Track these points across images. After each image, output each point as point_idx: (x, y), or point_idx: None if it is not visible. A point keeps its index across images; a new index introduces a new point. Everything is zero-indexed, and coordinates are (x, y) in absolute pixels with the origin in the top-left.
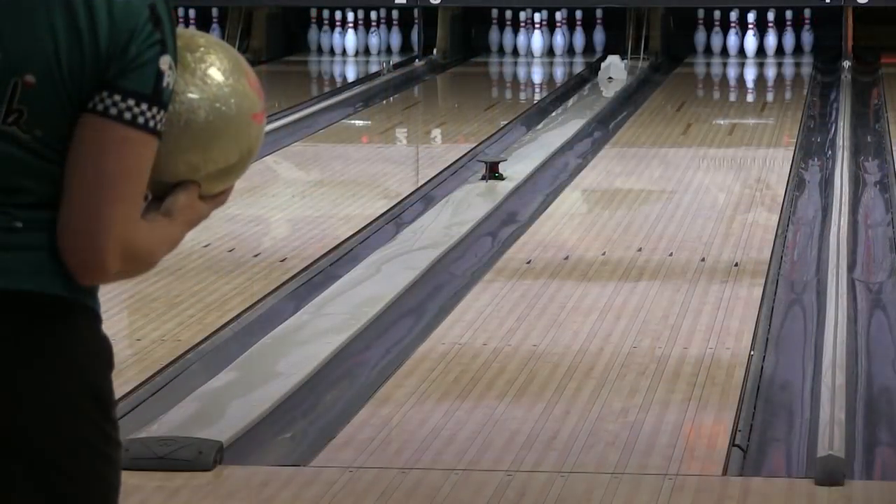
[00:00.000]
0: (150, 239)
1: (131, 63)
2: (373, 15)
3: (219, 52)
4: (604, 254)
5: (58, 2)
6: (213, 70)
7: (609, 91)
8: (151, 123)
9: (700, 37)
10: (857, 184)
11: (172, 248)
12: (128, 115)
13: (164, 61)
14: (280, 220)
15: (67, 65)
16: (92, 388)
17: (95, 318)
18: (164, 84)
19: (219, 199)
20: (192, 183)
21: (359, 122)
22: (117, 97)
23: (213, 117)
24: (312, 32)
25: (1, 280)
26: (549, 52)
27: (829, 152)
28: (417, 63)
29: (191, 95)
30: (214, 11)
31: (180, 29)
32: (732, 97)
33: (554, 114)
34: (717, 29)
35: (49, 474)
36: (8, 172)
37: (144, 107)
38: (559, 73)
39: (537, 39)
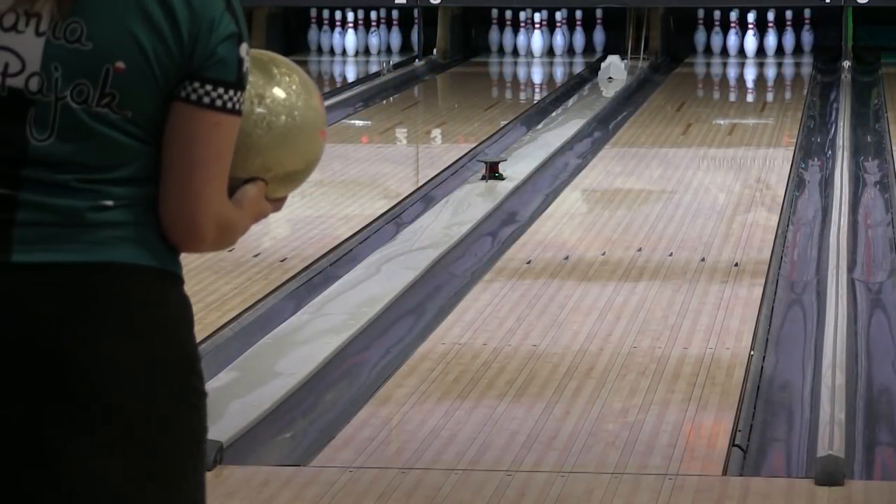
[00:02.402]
0: (234, 215)
1: (214, 54)
2: (373, 15)
3: (298, 71)
4: (604, 254)
5: None
6: (294, 83)
7: (609, 91)
8: (237, 106)
9: (700, 37)
10: (857, 184)
11: (242, 234)
12: (218, 102)
13: (243, 49)
14: (280, 220)
15: (153, 52)
16: (181, 346)
17: (180, 283)
18: (244, 69)
19: (277, 203)
20: (261, 180)
21: (359, 122)
22: (208, 86)
23: (290, 124)
24: (312, 32)
25: (94, 254)
26: (549, 52)
27: (829, 152)
28: (417, 63)
29: (274, 102)
30: None
31: (266, 51)
32: (732, 97)
33: (554, 114)
34: (717, 29)
35: (147, 427)
36: (100, 151)
37: (231, 92)
38: (559, 73)
39: (537, 39)
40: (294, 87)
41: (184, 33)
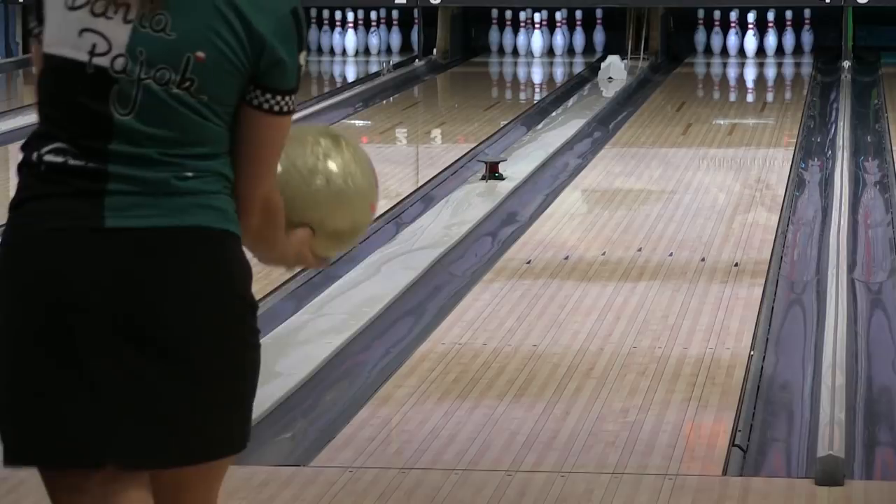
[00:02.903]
0: (279, 205)
1: (279, 63)
2: (373, 15)
3: (362, 151)
4: (604, 254)
5: None
6: (357, 157)
7: (609, 91)
8: (292, 108)
9: (700, 37)
10: (857, 184)
11: (274, 260)
12: (276, 108)
13: (303, 57)
14: None
15: (227, 47)
16: (241, 294)
17: (240, 243)
18: (302, 74)
19: (320, 260)
20: (310, 229)
21: (359, 122)
22: (268, 95)
23: (346, 187)
24: (312, 32)
25: (175, 219)
26: (549, 52)
27: (829, 152)
28: (417, 63)
29: (337, 166)
30: None
31: (339, 131)
32: (732, 97)
33: (554, 114)
34: (717, 29)
35: (215, 359)
36: (179, 129)
37: (289, 98)
38: (559, 73)
39: (537, 39)
40: (356, 160)
41: (254, 36)
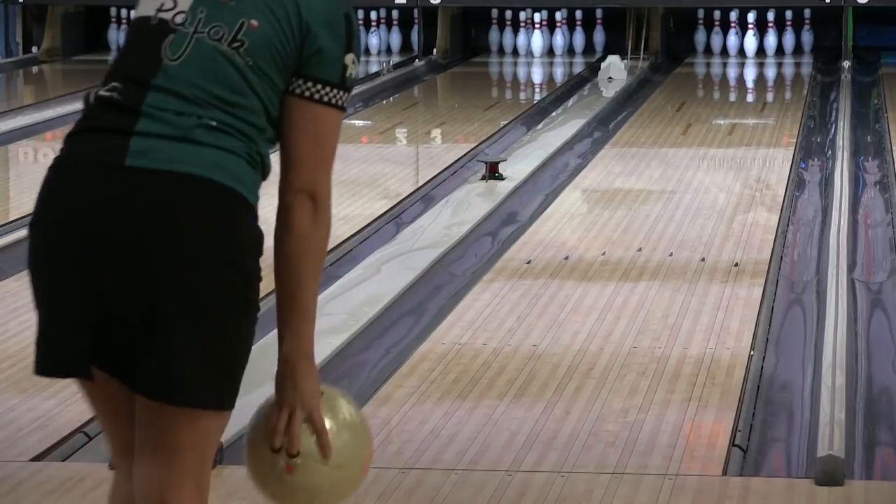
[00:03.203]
0: (329, 198)
1: (320, 51)
2: (373, 15)
3: (362, 416)
4: (604, 254)
5: None
6: (357, 419)
7: (609, 91)
8: (339, 102)
9: (700, 37)
10: (857, 184)
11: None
12: (317, 96)
13: (349, 58)
14: None
15: (278, 23)
16: (235, 263)
17: (252, 211)
18: (348, 74)
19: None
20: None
21: (359, 122)
22: (310, 83)
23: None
24: None
25: (193, 167)
26: (549, 52)
27: (829, 152)
28: (417, 63)
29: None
30: None
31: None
32: (732, 97)
33: (554, 114)
34: (717, 29)
35: (200, 314)
36: (220, 82)
37: (332, 91)
38: (559, 73)
39: (537, 39)
40: (358, 421)
41: (301, 23)
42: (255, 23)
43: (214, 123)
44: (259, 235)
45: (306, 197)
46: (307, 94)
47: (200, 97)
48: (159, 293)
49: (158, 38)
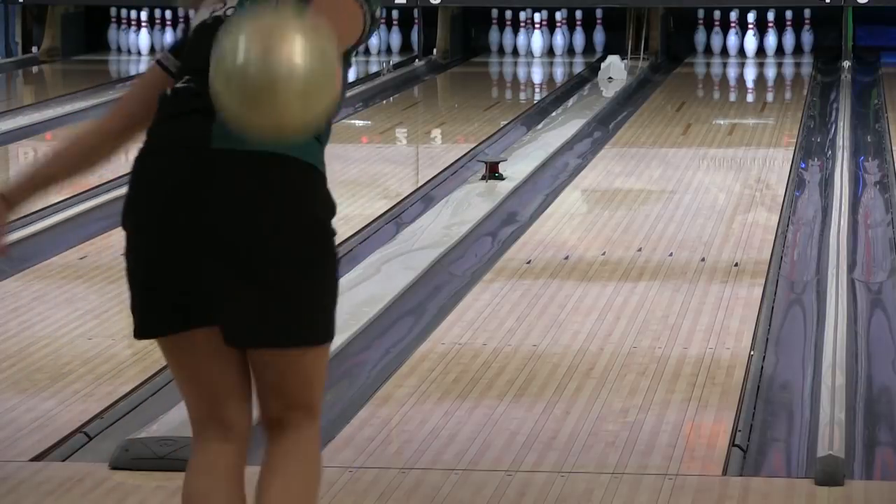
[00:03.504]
0: None
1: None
2: None
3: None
4: (604, 254)
5: None
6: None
7: (609, 91)
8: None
9: (700, 37)
10: (857, 184)
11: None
12: None
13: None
14: None
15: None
16: (320, 217)
17: (324, 180)
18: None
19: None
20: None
21: (359, 122)
22: None
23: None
24: None
25: (269, 147)
26: (549, 52)
27: (829, 152)
28: (417, 63)
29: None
30: None
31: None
32: (732, 97)
33: (554, 114)
34: (717, 29)
35: (290, 265)
36: None
37: None
38: (559, 73)
39: (537, 39)
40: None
41: None
42: None
43: None
44: (332, 199)
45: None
46: None
47: None
48: (260, 255)
49: (214, 32)
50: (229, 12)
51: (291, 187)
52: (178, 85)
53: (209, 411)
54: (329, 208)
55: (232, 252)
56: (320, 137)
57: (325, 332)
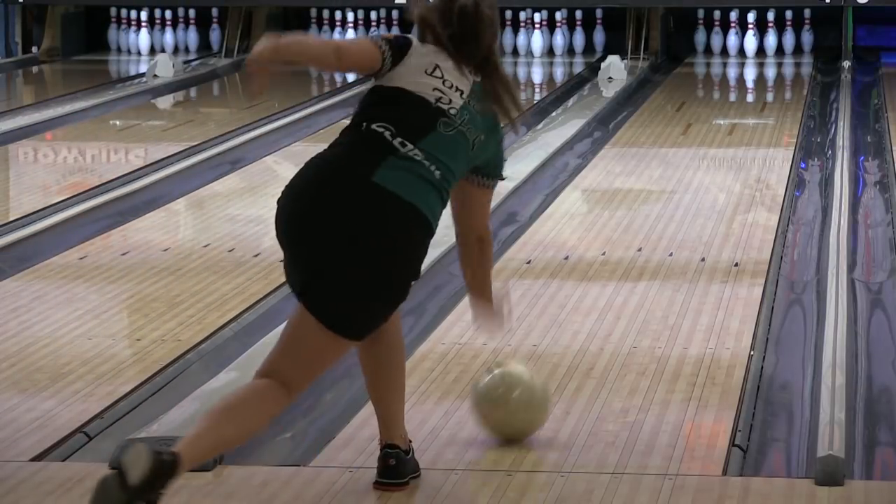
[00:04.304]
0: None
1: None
2: (373, 15)
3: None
4: (604, 254)
5: None
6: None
7: (609, 91)
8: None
9: (700, 37)
10: (857, 184)
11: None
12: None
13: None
14: None
15: (485, 150)
16: (412, 260)
17: (430, 234)
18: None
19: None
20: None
21: None
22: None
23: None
24: (313, 32)
25: (409, 196)
26: (549, 52)
27: (829, 152)
28: None
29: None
30: (214, 11)
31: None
32: (732, 97)
33: (554, 114)
34: (717, 29)
35: (367, 284)
36: (453, 155)
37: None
38: (559, 73)
39: (537, 39)
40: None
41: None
42: (482, 137)
43: (438, 174)
44: (424, 254)
45: (476, 238)
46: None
47: (442, 161)
48: (340, 264)
49: (437, 116)
50: (452, 111)
51: (407, 233)
52: (376, 127)
53: (277, 365)
54: (418, 258)
55: (335, 256)
56: (442, 203)
57: (353, 330)
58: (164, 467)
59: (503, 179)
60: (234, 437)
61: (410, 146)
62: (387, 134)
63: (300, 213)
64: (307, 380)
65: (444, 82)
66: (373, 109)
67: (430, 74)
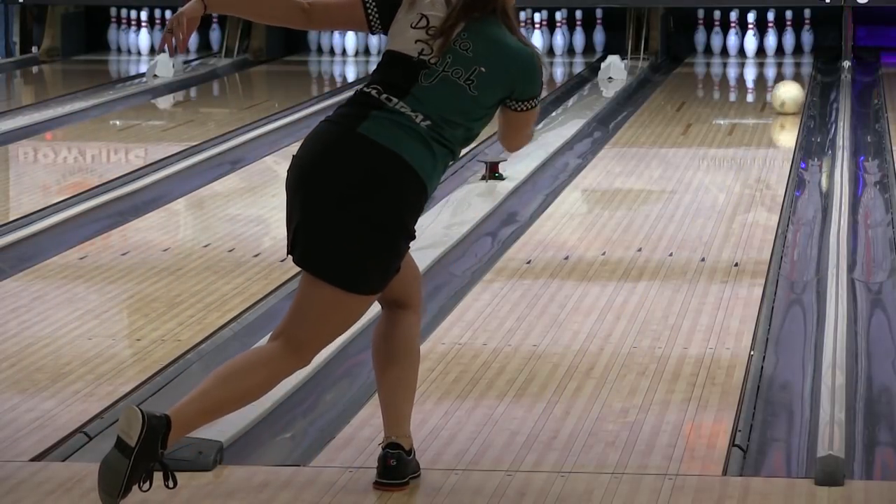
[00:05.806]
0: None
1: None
2: None
3: None
4: (604, 254)
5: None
6: None
7: (609, 91)
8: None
9: (700, 37)
10: (857, 184)
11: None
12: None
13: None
14: (280, 220)
15: (500, 74)
16: (400, 213)
17: (422, 188)
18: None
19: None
20: None
21: None
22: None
23: None
24: (313, 32)
25: (396, 147)
26: (549, 52)
27: (829, 152)
28: None
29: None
30: None
31: None
32: (732, 97)
33: (554, 114)
34: (717, 29)
35: (359, 235)
36: (449, 103)
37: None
38: (559, 73)
39: (537, 39)
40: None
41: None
42: (483, 69)
43: (426, 125)
44: (422, 200)
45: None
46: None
47: (431, 111)
48: (327, 213)
49: (418, 68)
50: (433, 60)
51: (395, 184)
52: (366, 89)
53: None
54: (410, 212)
55: (329, 208)
56: (438, 161)
57: (357, 284)
58: (157, 423)
59: (537, 102)
60: (226, 400)
61: (396, 100)
62: (373, 92)
63: (296, 165)
64: (317, 340)
65: (427, 31)
66: (372, 75)
67: (415, 27)
